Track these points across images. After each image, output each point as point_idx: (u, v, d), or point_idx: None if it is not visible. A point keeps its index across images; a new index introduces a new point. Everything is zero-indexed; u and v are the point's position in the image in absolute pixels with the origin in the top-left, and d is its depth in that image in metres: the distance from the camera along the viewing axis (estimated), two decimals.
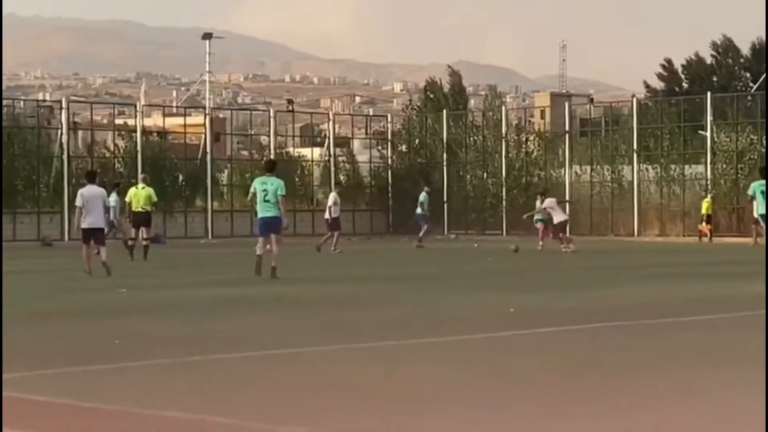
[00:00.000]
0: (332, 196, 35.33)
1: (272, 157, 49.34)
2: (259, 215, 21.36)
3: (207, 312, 14.93)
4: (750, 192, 28.98)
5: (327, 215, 34.80)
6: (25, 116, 49.03)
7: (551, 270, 25.12)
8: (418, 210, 38.90)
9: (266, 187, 21.12)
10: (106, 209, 22.99)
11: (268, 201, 21.07)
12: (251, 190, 21.79)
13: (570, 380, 8.95)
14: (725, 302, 15.68)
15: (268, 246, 21.50)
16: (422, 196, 39.06)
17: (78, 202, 22.63)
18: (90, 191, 22.69)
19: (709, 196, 42.49)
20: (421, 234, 37.66)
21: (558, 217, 33.21)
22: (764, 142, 43.26)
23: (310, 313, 14.85)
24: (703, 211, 42.44)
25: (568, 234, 33.68)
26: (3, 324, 13.00)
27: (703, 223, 42.00)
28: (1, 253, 24.14)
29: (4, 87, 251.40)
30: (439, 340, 11.72)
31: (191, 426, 7.32)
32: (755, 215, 29.90)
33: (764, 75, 56.63)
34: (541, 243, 33.86)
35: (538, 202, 35.78)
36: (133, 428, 7.39)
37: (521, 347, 11.19)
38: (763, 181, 28.79)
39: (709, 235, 41.28)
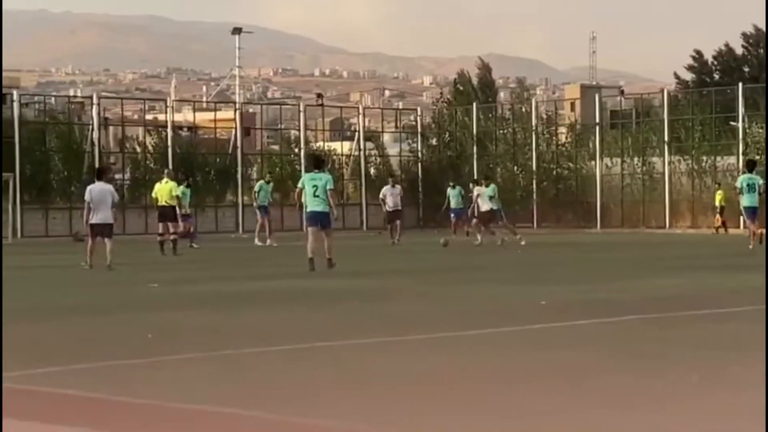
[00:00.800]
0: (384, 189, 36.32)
1: (303, 151, 49.55)
2: (309, 209, 21.78)
3: (239, 305, 14.96)
4: (738, 185, 28.86)
5: (400, 206, 35.71)
6: (56, 112, 49.29)
7: (580, 262, 25.05)
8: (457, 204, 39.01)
9: (316, 183, 21.64)
10: (113, 205, 23.45)
11: (318, 196, 21.57)
12: (299, 185, 22.27)
13: (604, 372, 8.92)
14: (757, 294, 15.57)
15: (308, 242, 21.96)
16: (448, 191, 39.24)
17: (87, 198, 23.28)
18: (98, 188, 23.28)
19: (736, 187, 42.24)
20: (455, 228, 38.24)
21: (485, 206, 32.82)
22: None
23: (343, 306, 14.86)
24: (716, 202, 42.22)
25: (500, 223, 33.23)
26: (33, 319, 13.13)
27: (717, 215, 41.83)
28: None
29: (35, 83, 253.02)
30: (472, 333, 11.69)
31: (222, 420, 7.34)
32: (746, 207, 28.93)
33: None
34: (479, 237, 32.98)
35: (476, 191, 34.85)
36: (165, 422, 7.41)
37: (553, 340, 11.15)
38: (752, 175, 28.77)
39: (722, 227, 41.07)
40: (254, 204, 36.00)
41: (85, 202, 23.41)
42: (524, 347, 10.58)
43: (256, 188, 36.21)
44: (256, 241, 33.66)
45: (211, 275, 21.52)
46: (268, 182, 36.10)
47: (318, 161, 23.47)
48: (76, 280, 20.80)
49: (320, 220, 21.80)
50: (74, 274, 21.98)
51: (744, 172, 29.63)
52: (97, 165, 43.85)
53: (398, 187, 36.98)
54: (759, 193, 28.30)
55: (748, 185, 28.29)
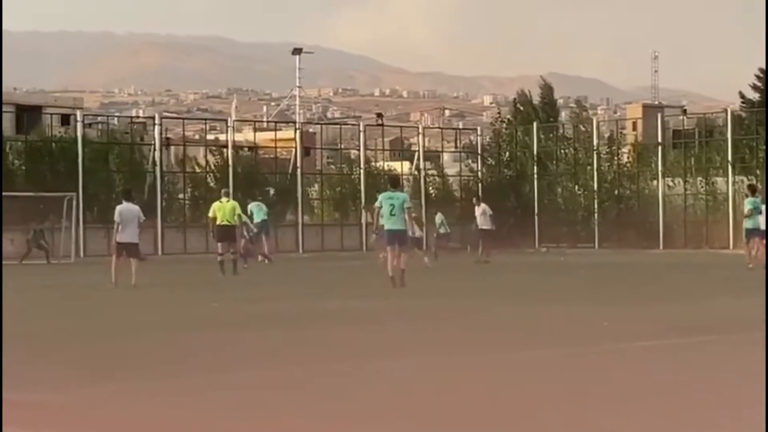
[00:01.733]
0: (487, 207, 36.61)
1: (362, 170, 49.59)
2: (387, 228, 22.23)
3: (299, 324, 14.94)
4: (749, 206, 30.51)
5: (486, 225, 35.94)
6: (120, 132, 49.76)
7: (642, 282, 24.81)
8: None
9: (393, 202, 22.15)
10: (140, 225, 24.26)
11: (394, 215, 22.05)
12: (377, 204, 22.71)
13: (667, 395, 8.79)
14: None
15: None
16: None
17: (116, 218, 24.01)
18: (127, 209, 24.10)
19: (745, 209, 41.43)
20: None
21: (418, 232, 32.26)
22: None
23: (399, 326, 14.80)
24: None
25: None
26: (84, 337, 13.23)
27: None
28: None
29: (99, 104, 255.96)
30: (535, 354, 11.58)
31: None
32: (748, 228, 30.79)
33: None
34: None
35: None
36: None
37: (617, 361, 11.01)
38: (754, 199, 30.56)
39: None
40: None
41: (114, 223, 24.06)
42: (587, 369, 10.47)
43: (251, 208, 35.82)
44: (266, 261, 33.65)
45: (272, 295, 21.55)
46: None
47: (395, 180, 24.41)
48: (136, 299, 20.90)
49: (397, 238, 22.17)
50: (135, 293, 22.09)
51: (747, 196, 31.55)
52: (158, 184, 44.33)
53: (482, 206, 36.92)
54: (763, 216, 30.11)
55: (754, 208, 30.11)
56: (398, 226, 22.07)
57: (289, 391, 9.21)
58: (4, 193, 40.67)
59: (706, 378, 9.83)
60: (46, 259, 37.78)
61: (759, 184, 40.94)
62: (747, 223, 30.30)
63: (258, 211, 35.66)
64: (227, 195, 30.26)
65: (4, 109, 47.05)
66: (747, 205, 30.56)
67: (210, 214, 29.39)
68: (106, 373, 10.22)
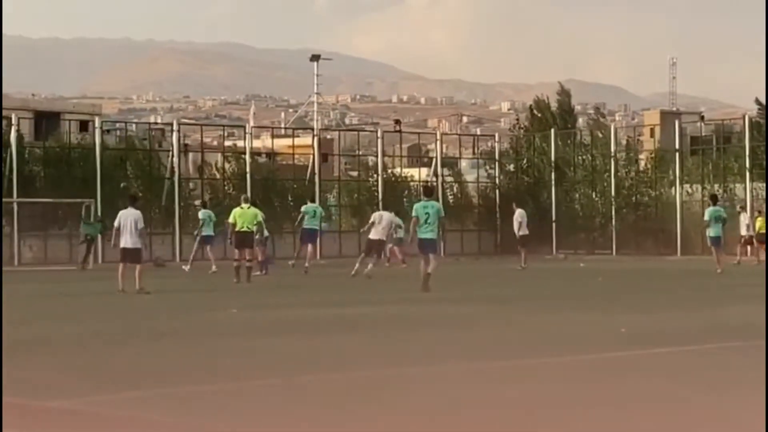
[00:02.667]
0: (520, 213, 36.91)
1: (380, 176, 49.62)
2: (420, 236, 23.00)
3: (318, 331, 14.96)
4: (706, 218, 32.56)
5: (521, 232, 36.43)
6: (138, 139, 49.83)
7: (660, 289, 24.78)
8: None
9: (428, 211, 22.93)
10: (139, 231, 24.23)
11: (428, 223, 22.78)
12: (414, 213, 23.38)
13: (685, 401, 8.79)
14: None
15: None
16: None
17: (116, 223, 24.29)
18: (127, 213, 24.18)
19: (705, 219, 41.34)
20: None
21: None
22: None
23: (420, 332, 14.80)
24: (757, 229, 41.40)
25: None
26: (102, 343, 13.30)
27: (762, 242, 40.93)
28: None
29: (117, 110, 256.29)
30: (553, 360, 11.58)
31: None
32: (711, 236, 32.62)
33: None
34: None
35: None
36: None
37: (634, 367, 11.01)
38: (717, 208, 32.70)
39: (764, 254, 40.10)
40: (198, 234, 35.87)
41: (113, 227, 24.35)
42: (605, 374, 10.47)
43: (203, 216, 35.99)
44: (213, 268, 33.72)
45: (290, 301, 21.58)
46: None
47: (429, 190, 25.17)
48: (155, 305, 20.95)
49: (430, 246, 22.93)
50: (153, 300, 22.15)
51: (710, 205, 33.46)
52: (176, 191, 44.42)
53: (518, 211, 37.05)
54: (724, 225, 32.39)
55: (715, 218, 31.97)
56: (430, 235, 22.82)
57: (307, 399, 9.23)
58: (22, 200, 40.91)
59: (722, 385, 9.83)
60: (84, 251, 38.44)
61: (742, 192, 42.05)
62: (710, 232, 32.03)
63: (209, 221, 35.80)
64: (247, 201, 30.17)
65: (23, 116, 47.25)
66: (706, 214, 32.37)
67: (230, 220, 29.31)
68: (124, 381, 10.27)
